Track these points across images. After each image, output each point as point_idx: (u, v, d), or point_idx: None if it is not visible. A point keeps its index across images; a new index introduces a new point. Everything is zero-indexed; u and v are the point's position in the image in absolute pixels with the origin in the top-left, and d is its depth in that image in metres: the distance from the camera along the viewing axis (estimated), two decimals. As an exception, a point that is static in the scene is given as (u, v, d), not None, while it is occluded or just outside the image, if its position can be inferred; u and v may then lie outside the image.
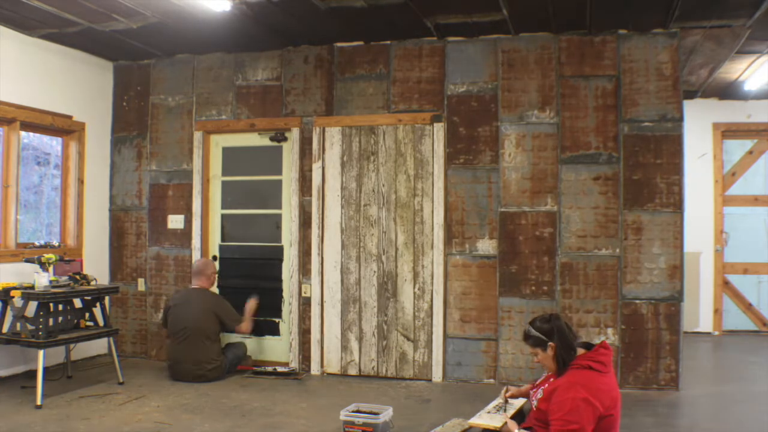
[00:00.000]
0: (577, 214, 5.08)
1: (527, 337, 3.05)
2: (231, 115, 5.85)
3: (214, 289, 5.70)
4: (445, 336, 5.27)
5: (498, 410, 3.27)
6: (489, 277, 5.22)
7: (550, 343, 2.95)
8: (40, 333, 4.50)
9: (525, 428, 3.01)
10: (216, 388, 4.95)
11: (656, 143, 4.98)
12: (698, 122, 7.35)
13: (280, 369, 5.44)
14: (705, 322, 7.47)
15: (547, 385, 3.01)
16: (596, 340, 3.35)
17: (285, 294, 5.73)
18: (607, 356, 2.93)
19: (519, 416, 3.26)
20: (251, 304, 5.49)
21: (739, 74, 6.38)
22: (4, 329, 4.71)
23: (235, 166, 5.93)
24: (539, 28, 5.09)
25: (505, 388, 3.43)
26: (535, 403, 3.02)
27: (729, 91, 7.12)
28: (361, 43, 5.53)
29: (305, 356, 5.57)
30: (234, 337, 5.65)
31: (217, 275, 5.63)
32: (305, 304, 5.59)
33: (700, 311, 7.44)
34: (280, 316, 5.75)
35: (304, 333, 5.58)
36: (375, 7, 4.64)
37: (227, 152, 5.96)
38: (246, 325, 5.37)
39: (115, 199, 6.18)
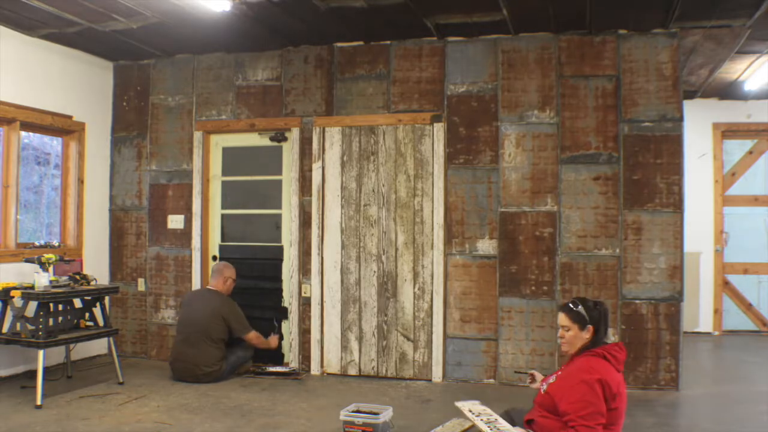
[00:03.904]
0: (577, 214, 5.08)
1: (570, 311, 3.04)
2: (231, 115, 5.85)
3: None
4: (445, 336, 5.27)
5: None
6: (489, 277, 5.22)
7: (590, 326, 2.98)
8: (40, 333, 4.50)
9: (527, 421, 3.05)
10: (216, 388, 4.95)
11: (656, 143, 4.98)
12: (698, 122, 7.35)
13: (280, 369, 5.44)
14: (705, 322, 7.47)
15: (560, 372, 3.07)
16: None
17: (285, 294, 5.73)
18: (621, 354, 3.00)
19: (508, 419, 3.26)
20: (274, 339, 5.49)
21: (739, 74, 6.38)
22: (4, 329, 4.71)
23: (235, 166, 5.93)
24: (539, 28, 5.09)
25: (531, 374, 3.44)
26: (545, 387, 3.06)
27: (729, 91, 7.12)
28: (361, 43, 5.53)
29: (305, 356, 5.57)
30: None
31: (235, 282, 5.44)
32: (305, 304, 5.59)
33: (700, 311, 7.44)
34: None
35: (304, 333, 5.58)
36: (375, 7, 4.64)
37: (227, 152, 5.96)
38: (258, 339, 5.32)
39: (115, 199, 6.18)
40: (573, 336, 3.02)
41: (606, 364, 2.90)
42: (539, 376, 3.38)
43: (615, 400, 2.84)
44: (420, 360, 5.31)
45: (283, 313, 5.71)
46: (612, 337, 4.97)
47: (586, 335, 2.99)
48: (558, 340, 3.14)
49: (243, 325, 5.28)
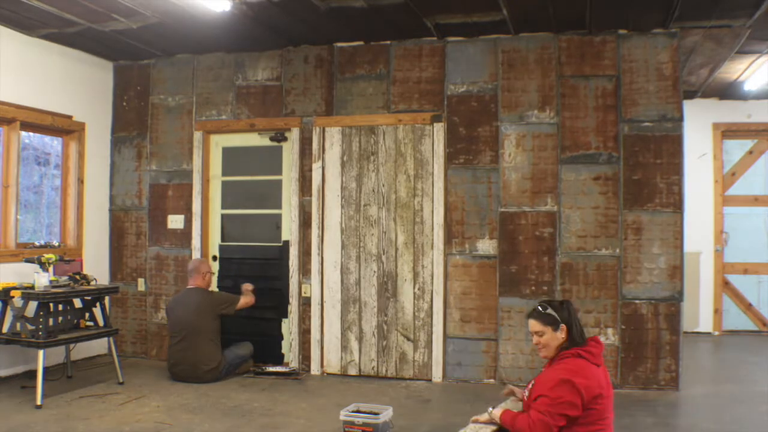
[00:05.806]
0: (577, 214, 5.08)
1: (540, 315, 2.96)
2: (231, 115, 5.85)
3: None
4: (445, 336, 5.27)
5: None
6: (489, 277, 5.22)
7: (562, 325, 2.92)
8: (40, 333, 4.50)
9: None
10: (216, 388, 4.95)
11: (656, 143, 4.98)
12: (698, 122, 7.34)
13: (280, 369, 5.44)
14: (705, 322, 7.47)
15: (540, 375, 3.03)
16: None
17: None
18: (597, 348, 2.95)
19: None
20: (246, 285, 5.50)
21: (739, 74, 6.38)
22: (4, 329, 4.71)
23: (235, 166, 5.92)
24: (539, 28, 5.09)
25: (507, 388, 3.42)
26: (527, 393, 3.02)
27: (729, 91, 7.12)
28: (361, 43, 5.53)
29: (305, 356, 5.57)
30: (240, 337, 5.59)
31: (213, 274, 5.52)
32: (305, 304, 5.58)
33: (700, 311, 7.43)
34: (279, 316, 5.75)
35: (304, 333, 5.58)
36: (375, 7, 4.65)
37: (227, 152, 5.96)
38: (245, 299, 5.36)
39: (115, 199, 6.18)
40: (548, 339, 2.94)
41: (583, 363, 2.85)
42: (517, 390, 3.34)
43: (595, 400, 2.82)
44: (420, 360, 5.31)
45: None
46: (612, 337, 4.97)
47: (561, 335, 2.92)
48: (535, 347, 3.03)
49: (230, 300, 5.30)
